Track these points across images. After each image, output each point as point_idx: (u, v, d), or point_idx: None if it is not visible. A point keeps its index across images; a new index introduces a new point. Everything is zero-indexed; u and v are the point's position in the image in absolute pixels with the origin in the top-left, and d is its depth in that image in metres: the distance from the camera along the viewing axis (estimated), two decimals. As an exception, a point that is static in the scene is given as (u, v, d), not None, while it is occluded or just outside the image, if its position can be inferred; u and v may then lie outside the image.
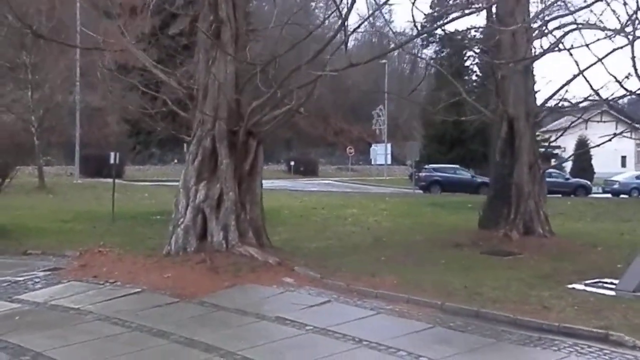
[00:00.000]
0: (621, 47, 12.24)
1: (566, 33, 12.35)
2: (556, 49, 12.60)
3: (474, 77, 38.27)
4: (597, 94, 12.41)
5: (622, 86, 15.84)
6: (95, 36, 11.73)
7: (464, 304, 7.43)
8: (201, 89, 9.95)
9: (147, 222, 15.99)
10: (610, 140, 13.28)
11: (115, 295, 7.97)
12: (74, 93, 30.30)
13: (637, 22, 10.53)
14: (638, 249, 9.45)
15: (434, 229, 16.17)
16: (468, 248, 12.61)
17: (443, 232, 15.39)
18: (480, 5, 21.26)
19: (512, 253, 11.86)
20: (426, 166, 32.18)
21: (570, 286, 9.10)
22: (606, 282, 9.28)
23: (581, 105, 13.59)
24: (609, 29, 11.26)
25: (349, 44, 10.17)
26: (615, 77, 12.98)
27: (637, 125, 35.55)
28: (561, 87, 13.49)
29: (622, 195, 31.91)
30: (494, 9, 13.20)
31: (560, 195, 27.88)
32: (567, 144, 47.16)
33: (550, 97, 13.65)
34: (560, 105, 14.19)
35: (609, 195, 31.89)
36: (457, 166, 32.54)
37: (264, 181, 10.93)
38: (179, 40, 12.98)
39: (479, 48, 20.41)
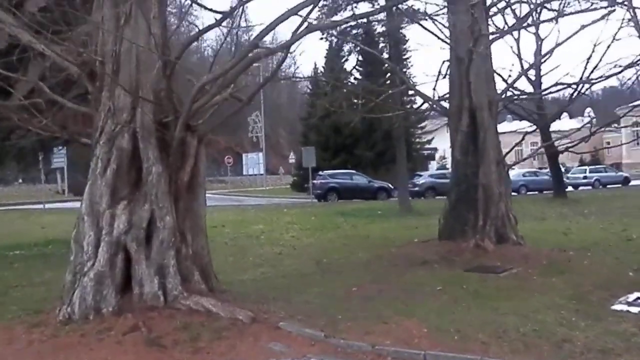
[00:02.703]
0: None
1: (538, 6, 10.58)
2: (524, 24, 10.84)
3: (352, 80, 36.55)
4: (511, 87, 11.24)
5: (509, 85, 14.26)
6: None
7: (574, 365, 4.97)
8: (109, 62, 6.49)
9: (4, 262, 12.13)
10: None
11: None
12: None
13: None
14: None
15: (370, 243, 14.13)
16: (440, 265, 10.48)
17: (385, 246, 13.33)
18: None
19: (505, 269, 9.76)
20: (320, 172, 29.71)
21: (616, 308, 7.37)
22: (647, 299, 7.87)
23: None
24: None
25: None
26: (501, 76, 11.94)
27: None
28: (526, 70, 11.78)
29: (512, 193, 31.98)
30: None
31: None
32: (439, 146, 48.05)
33: (512, 84, 11.84)
34: (516, 95, 12.53)
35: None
36: (353, 171, 30.53)
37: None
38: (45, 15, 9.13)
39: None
